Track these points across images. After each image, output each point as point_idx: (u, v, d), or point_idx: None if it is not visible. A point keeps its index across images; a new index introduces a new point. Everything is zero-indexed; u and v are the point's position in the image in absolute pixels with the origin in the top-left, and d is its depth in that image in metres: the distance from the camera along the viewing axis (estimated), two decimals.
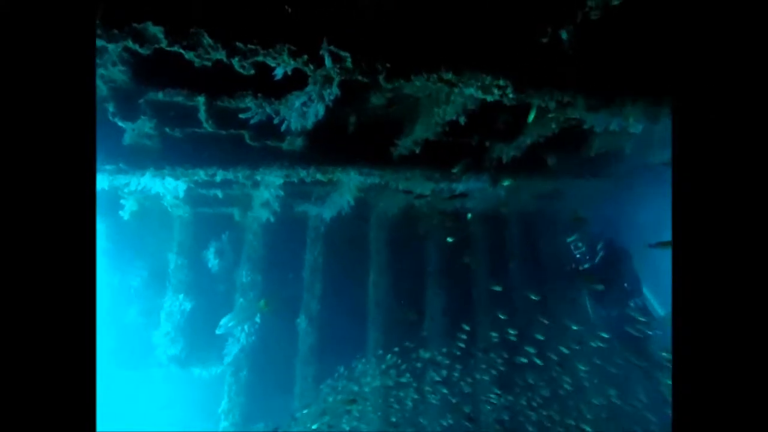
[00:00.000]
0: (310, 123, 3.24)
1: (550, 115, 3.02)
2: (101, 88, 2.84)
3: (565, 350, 4.98)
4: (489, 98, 2.50)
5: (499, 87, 2.34)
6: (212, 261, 5.88)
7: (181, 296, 5.56)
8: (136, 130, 3.39)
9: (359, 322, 6.18)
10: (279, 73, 2.38)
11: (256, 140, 3.60)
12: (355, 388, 5.12)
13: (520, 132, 3.91)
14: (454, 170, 4.16)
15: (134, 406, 5.04)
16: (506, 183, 4.40)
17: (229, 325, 4.89)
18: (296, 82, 2.75)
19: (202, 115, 3.13)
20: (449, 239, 5.66)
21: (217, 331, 4.96)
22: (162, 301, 5.46)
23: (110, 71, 2.63)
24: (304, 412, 4.27)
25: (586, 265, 5.64)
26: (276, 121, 3.16)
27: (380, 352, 5.60)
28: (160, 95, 3.01)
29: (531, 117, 3.45)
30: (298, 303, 5.95)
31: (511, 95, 2.39)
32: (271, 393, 5.42)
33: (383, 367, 5.30)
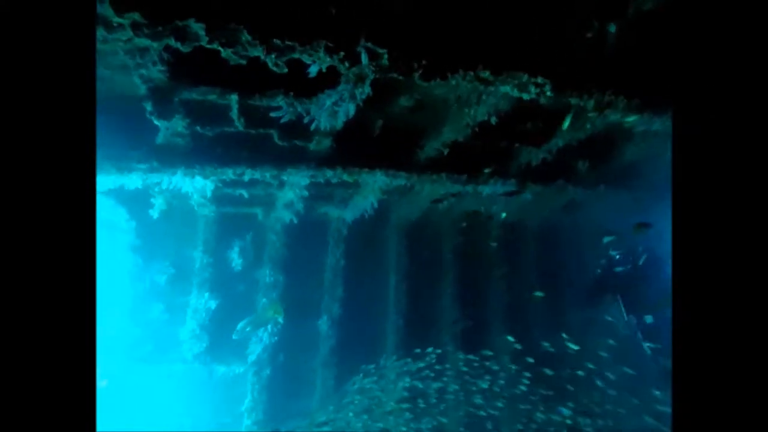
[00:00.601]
0: (339, 123, 3.25)
1: (588, 114, 2.93)
2: (140, 88, 2.91)
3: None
4: (525, 96, 2.45)
5: (536, 85, 2.28)
6: (236, 260, 5.94)
7: (206, 294, 5.62)
8: (170, 129, 3.45)
9: (380, 325, 6.14)
10: (313, 70, 2.38)
11: (284, 140, 3.62)
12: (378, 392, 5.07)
13: (552, 135, 3.82)
14: (486, 170, 4.07)
15: (156, 401, 5.10)
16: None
17: (246, 330, 4.89)
18: (328, 81, 2.76)
19: (234, 113, 3.17)
20: (492, 244, 5.56)
21: (234, 336, 5.00)
22: (186, 299, 5.54)
23: (150, 71, 2.69)
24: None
25: (620, 269, 5.45)
26: (306, 120, 3.17)
27: (417, 350, 5.54)
28: (194, 94, 3.06)
29: (566, 124, 3.36)
30: (320, 305, 5.94)
31: (549, 93, 2.33)
32: (292, 394, 5.42)
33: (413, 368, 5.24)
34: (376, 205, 5.47)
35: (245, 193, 5.22)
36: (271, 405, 5.33)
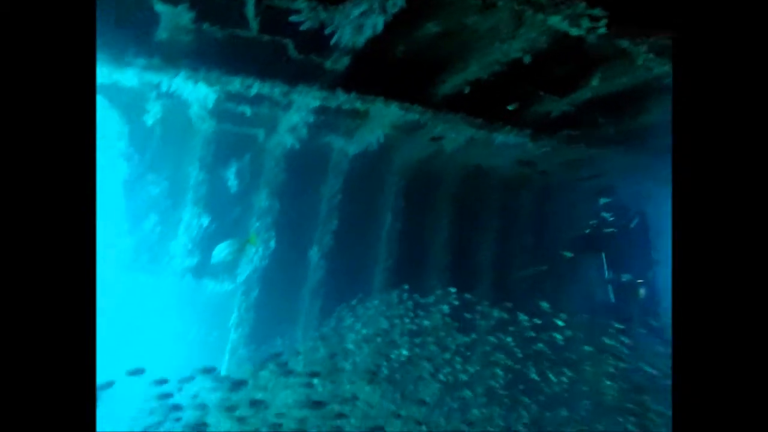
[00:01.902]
0: (363, 39, 2.99)
1: (638, 62, 2.70)
2: None
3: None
4: (573, 32, 2.24)
5: (591, 18, 2.08)
6: (232, 181, 5.79)
7: (199, 211, 5.53)
8: (173, 21, 3.13)
9: (369, 263, 6.22)
10: None
11: (300, 51, 3.33)
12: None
13: (581, 85, 3.63)
14: (510, 107, 3.88)
15: (147, 311, 5.18)
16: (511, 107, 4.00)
17: (223, 254, 4.84)
18: None
19: (249, 11, 2.87)
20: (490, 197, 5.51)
21: (212, 260, 4.97)
22: (180, 213, 5.44)
23: None
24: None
25: (612, 230, 5.58)
26: (327, 31, 2.90)
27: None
28: None
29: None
30: (312, 236, 5.94)
31: (601, 30, 2.13)
32: (277, 316, 5.57)
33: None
34: (382, 140, 5.29)
35: (248, 111, 4.95)
36: (257, 323, 5.49)
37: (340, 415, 3.26)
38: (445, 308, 5.21)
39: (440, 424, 4.24)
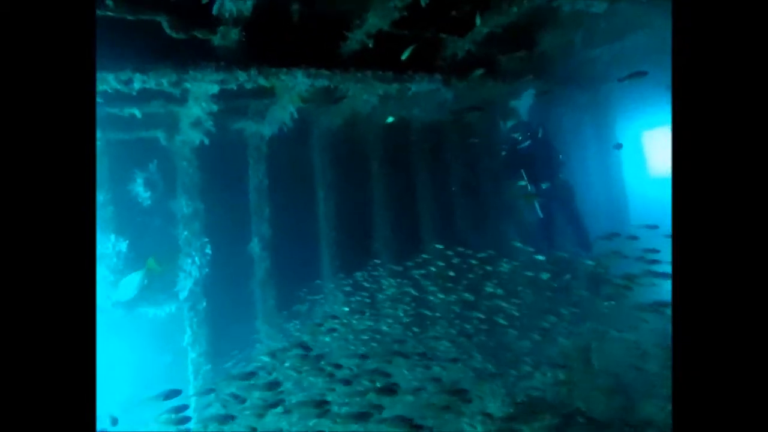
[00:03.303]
0: (249, 4, 2.71)
1: None
2: None
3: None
4: None
5: None
6: (142, 194, 5.22)
7: (112, 236, 4.94)
8: None
9: (313, 243, 6.09)
10: None
11: (179, 30, 2.94)
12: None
13: (476, 22, 3.68)
14: (403, 56, 3.85)
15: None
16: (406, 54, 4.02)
17: (130, 293, 4.44)
18: None
19: None
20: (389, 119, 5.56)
21: (120, 301, 4.54)
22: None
23: None
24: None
25: (526, 143, 6.06)
26: (204, 0, 2.58)
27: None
28: None
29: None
30: (248, 228, 5.63)
31: None
32: (234, 320, 5.29)
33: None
34: (296, 115, 5.03)
35: (137, 113, 4.40)
36: (215, 334, 5.18)
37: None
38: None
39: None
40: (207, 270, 5.13)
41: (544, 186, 6.06)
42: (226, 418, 2.80)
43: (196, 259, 5.09)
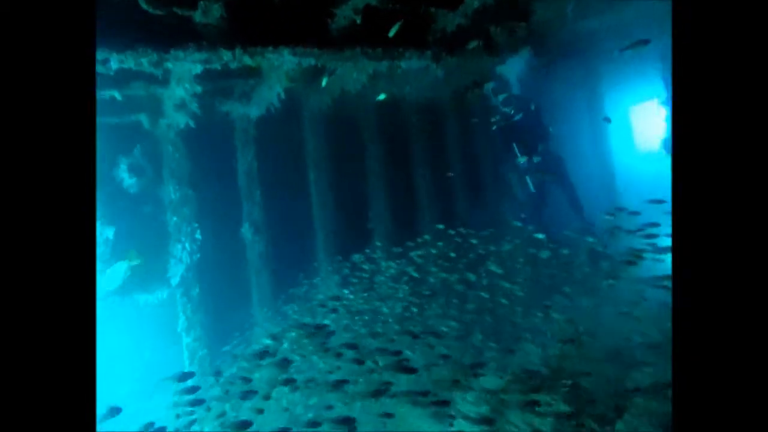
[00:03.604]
0: None
1: None
2: None
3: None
4: None
5: None
6: (128, 180, 5.09)
7: (98, 224, 4.84)
8: None
9: (307, 226, 6.03)
10: None
11: (156, 5, 2.78)
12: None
13: None
14: (391, 33, 3.73)
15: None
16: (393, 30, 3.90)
17: (115, 283, 4.40)
18: None
19: None
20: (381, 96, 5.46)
21: (107, 290, 4.50)
22: None
23: None
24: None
25: (518, 117, 5.97)
26: None
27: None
28: None
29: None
30: (240, 213, 5.56)
31: None
32: (228, 305, 5.28)
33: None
34: (283, 96, 4.89)
35: (117, 94, 4.24)
36: (209, 320, 5.18)
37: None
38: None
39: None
40: (198, 255, 5.08)
41: (536, 160, 6.01)
42: (248, 394, 2.83)
43: (187, 245, 5.03)
